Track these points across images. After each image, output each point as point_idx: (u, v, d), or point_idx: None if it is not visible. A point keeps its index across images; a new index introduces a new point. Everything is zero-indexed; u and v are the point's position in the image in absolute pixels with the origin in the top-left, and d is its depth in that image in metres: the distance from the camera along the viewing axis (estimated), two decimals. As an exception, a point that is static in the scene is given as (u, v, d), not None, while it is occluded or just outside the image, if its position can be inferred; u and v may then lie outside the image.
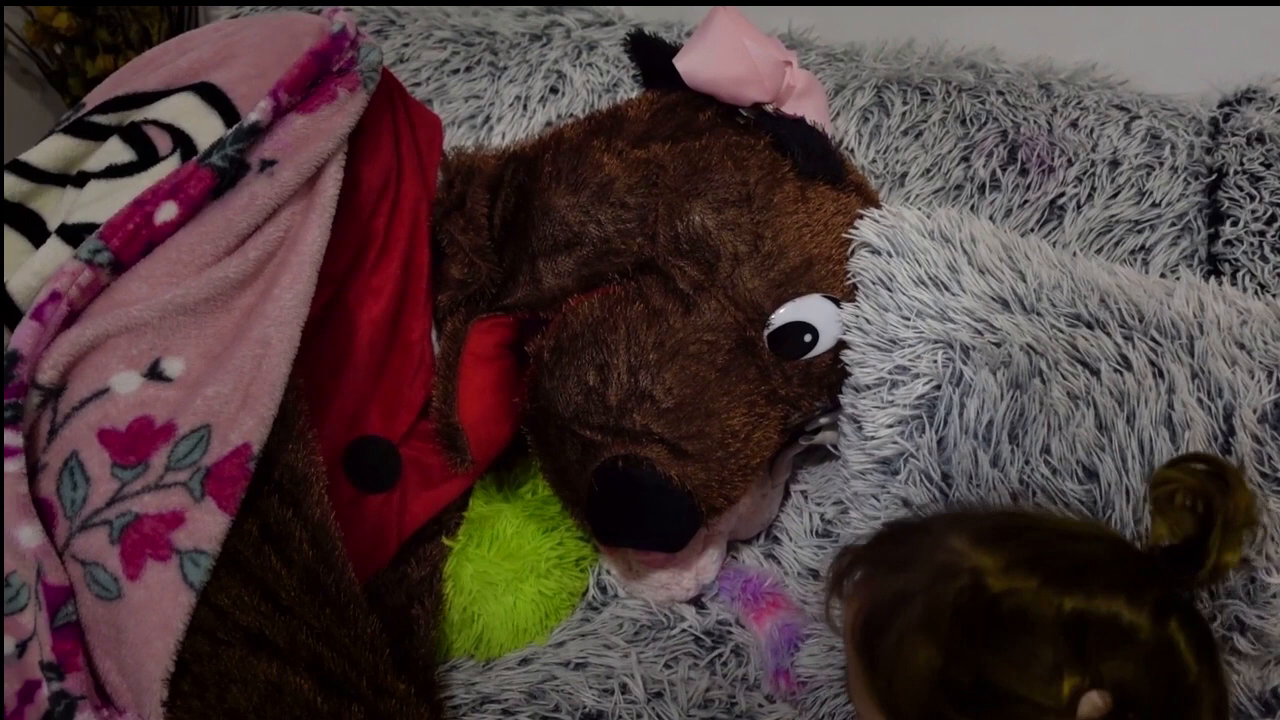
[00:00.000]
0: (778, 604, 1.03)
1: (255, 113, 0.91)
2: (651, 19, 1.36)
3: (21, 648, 0.78)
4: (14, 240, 0.94)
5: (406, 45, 1.37)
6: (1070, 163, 1.09)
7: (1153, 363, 0.82)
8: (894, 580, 0.66)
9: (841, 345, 0.97)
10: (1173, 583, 0.64)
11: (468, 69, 1.34)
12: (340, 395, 1.00)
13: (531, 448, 1.03)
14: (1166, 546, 0.65)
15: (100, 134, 0.97)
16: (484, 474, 1.11)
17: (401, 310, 1.05)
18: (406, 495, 1.03)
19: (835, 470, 1.05)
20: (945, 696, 0.61)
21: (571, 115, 1.27)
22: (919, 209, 0.97)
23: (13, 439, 0.79)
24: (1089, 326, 0.86)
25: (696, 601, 1.06)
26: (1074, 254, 0.95)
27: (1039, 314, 0.87)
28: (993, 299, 0.90)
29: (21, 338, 0.81)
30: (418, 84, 1.33)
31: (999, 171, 1.10)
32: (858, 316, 0.95)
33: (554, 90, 1.31)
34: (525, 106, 1.31)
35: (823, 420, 1.04)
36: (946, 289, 0.91)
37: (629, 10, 1.40)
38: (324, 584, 0.83)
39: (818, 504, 1.10)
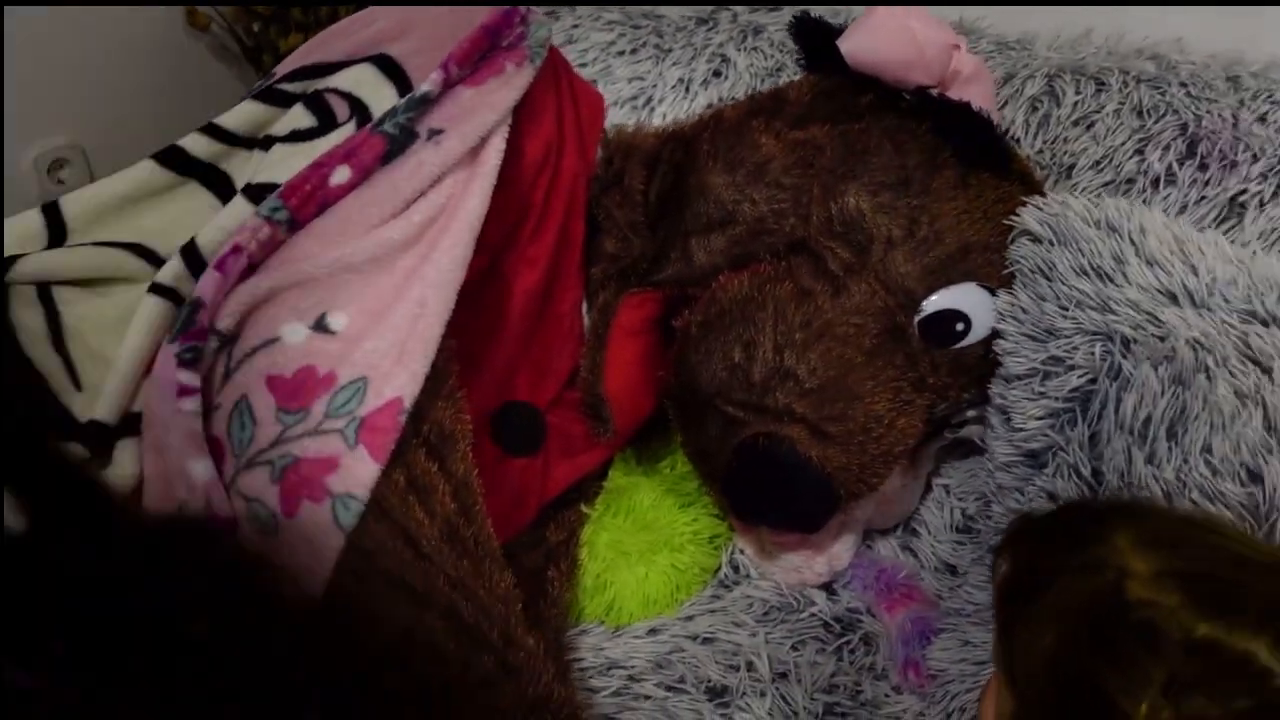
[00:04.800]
0: (912, 596, 1.01)
1: (426, 84, 0.95)
2: (818, 3, 1.35)
3: (188, 572, 0.84)
4: (205, 197, 1.01)
5: (576, 27, 1.40)
6: (1255, 158, 1.02)
7: (1331, 365, 0.77)
8: (1046, 557, 0.65)
9: (994, 336, 0.95)
10: None
11: (633, 51, 1.36)
12: (492, 360, 1.03)
13: (673, 421, 1.04)
14: None
15: (286, 101, 1.03)
16: (624, 446, 1.13)
17: (554, 281, 1.08)
18: (549, 461, 1.05)
19: (979, 465, 1.03)
20: (1055, 684, 0.59)
21: (733, 98, 1.27)
22: (1087, 198, 0.94)
23: (191, 379, 0.85)
24: (1264, 324, 0.81)
25: (828, 587, 1.05)
26: (1254, 252, 0.90)
27: (1209, 309, 0.83)
28: (1160, 292, 0.86)
29: (204, 286, 0.87)
30: (584, 64, 1.35)
31: (1175, 166, 1.05)
32: (1013, 305, 0.92)
33: (717, 74, 1.32)
34: (688, 89, 1.32)
35: (970, 413, 1.01)
36: (1110, 280, 0.88)
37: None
38: (463, 536, 0.87)
39: (959, 499, 1.07)
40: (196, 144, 1.02)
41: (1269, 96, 1.06)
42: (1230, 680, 0.55)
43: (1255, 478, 0.76)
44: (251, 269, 0.91)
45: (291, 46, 1.62)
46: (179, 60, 1.64)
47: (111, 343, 0.90)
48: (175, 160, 1.01)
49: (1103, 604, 0.59)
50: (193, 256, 0.93)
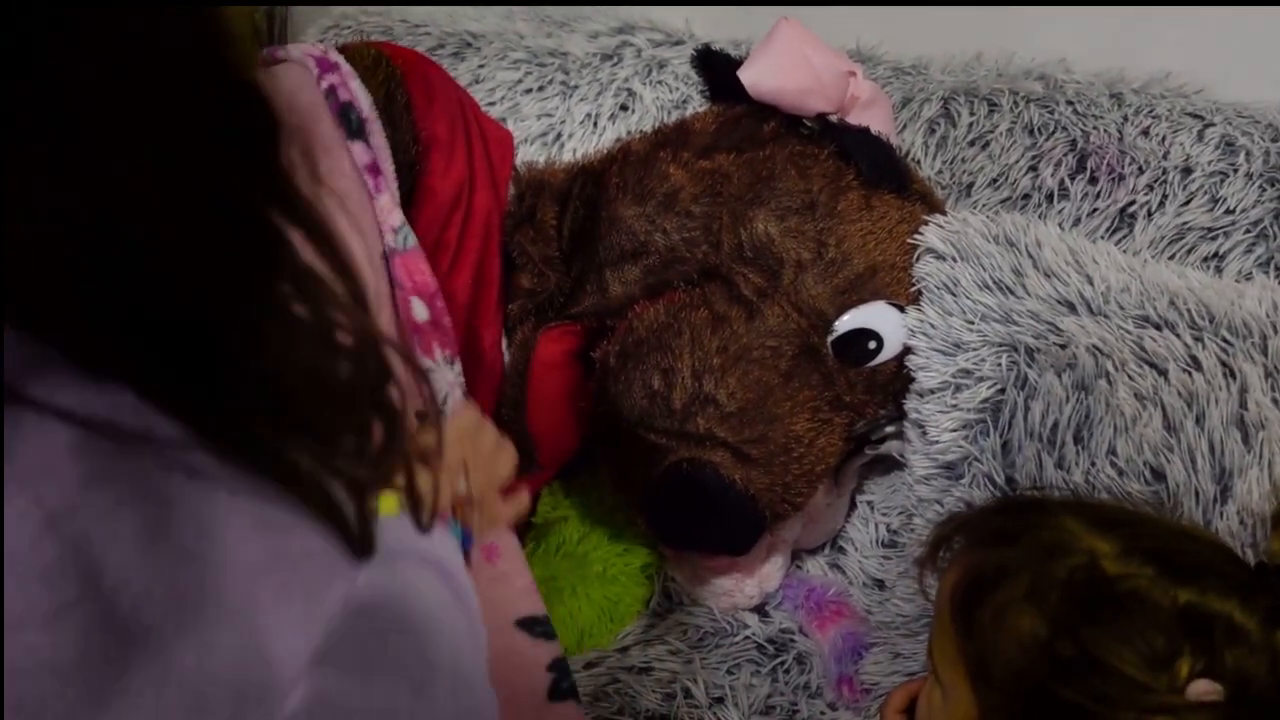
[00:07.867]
0: (842, 613, 1.02)
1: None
2: (720, 36, 1.38)
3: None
4: None
5: (482, 66, 1.40)
6: (1141, 170, 1.07)
7: (1223, 363, 0.81)
8: (999, 552, 0.67)
9: (907, 352, 0.97)
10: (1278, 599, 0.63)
11: (540, 88, 1.37)
12: (412, 401, 1.02)
13: (597, 452, 1.05)
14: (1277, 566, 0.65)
15: None
16: (552, 480, 1.13)
17: (473, 319, 1.07)
18: (476, 500, 1.05)
19: (902, 480, 1.05)
20: (1046, 667, 0.62)
21: (640, 132, 1.29)
22: (985, 215, 0.97)
23: None
24: (1157, 327, 0.85)
25: (760, 609, 1.06)
26: (1144, 260, 0.94)
27: (1105, 316, 0.87)
28: (1058, 302, 0.89)
29: None
30: (492, 103, 1.36)
31: (1067, 180, 1.09)
32: (922, 321, 0.95)
33: (624, 108, 1.34)
34: (596, 124, 1.33)
35: (889, 429, 1.03)
36: (1011, 292, 0.91)
37: (699, 29, 1.42)
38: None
39: (884, 514, 1.09)
40: None
41: (1150, 111, 1.11)
42: (1229, 638, 0.59)
43: (1159, 476, 0.80)
44: None
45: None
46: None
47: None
48: None
49: (1084, 580, 0.62)
50: None
